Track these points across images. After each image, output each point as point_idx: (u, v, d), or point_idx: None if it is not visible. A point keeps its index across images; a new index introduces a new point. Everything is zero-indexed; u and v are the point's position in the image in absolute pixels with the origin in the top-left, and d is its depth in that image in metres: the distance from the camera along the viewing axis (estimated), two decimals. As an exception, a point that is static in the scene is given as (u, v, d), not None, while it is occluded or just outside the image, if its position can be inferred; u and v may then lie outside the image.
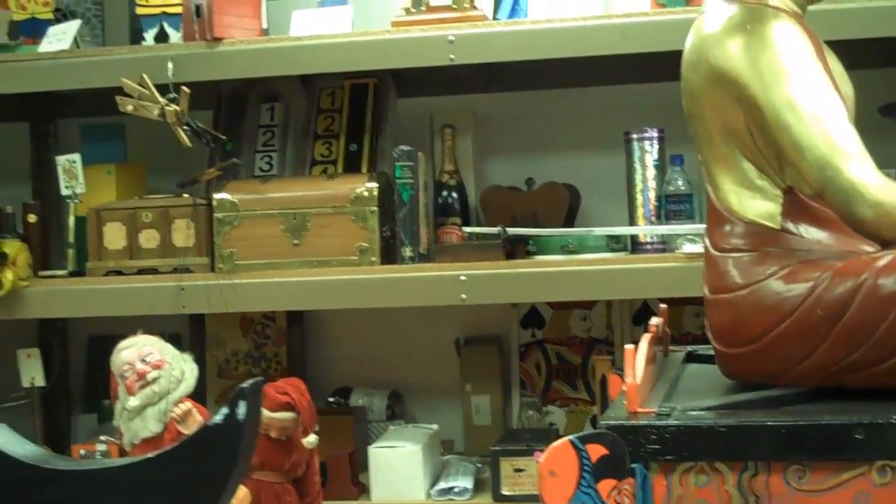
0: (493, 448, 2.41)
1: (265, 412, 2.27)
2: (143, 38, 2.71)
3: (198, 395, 2.28)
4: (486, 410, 2.69)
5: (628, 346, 1.48)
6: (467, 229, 2.54)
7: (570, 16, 2.43)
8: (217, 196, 2.47)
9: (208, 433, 1.10)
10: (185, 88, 2.42)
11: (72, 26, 2.64)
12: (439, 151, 2.69)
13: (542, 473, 1.32)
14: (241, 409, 1.11)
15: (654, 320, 1.74)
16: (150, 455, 1.05)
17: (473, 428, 2.69)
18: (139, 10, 2.72)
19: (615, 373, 1.91)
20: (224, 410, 1.14)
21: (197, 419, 2.27)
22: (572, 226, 2.62)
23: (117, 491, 0.69)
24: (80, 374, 2.95)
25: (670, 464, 1.35)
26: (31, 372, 2.62)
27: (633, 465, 1.34)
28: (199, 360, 2.30)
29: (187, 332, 2.82)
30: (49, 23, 2.72)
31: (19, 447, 0.74)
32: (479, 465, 2.54)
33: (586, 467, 1.32)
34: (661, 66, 2.31)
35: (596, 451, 1.32)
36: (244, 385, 1.21)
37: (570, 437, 1.34)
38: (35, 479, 0.69)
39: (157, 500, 0.75)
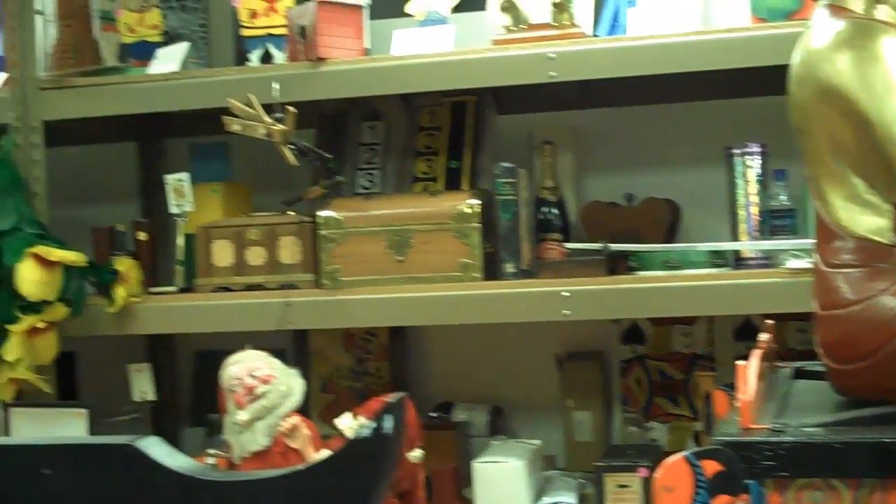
0: (596, 464, 2.41)
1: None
2: (248, 59, 2.77)
3: (302, 409, 2.32)
4: (587, 426, 2.70)
5: (740, 362, 1.48)
6: (569, 245, 2.55)
7: (669, 31, 2.43)
8: (322, 213, 2.51)
9: (356, 447, 1.13)
10: (291, 108, 2.47)
11: (180, 49, 2.71)
12: (539, 168, 2.71)
13: (658, 489, 1.33)
14: (388, 423, 1.14)
15: (763, 336, 1.73)
16: (300, 467, 1.08)
17: (575, 444, 2.70)
18: (244, 32, 2.78)
19: (720, 389, 1.91)
20: (371, 424, 1.17)
21: (304, 433, 2.31)
22: (673, 241, 2.61)
23: (268, 501, 0.72)
24: (186, 388, 3.02)
25: (785, 480, 1.35)
26: (142, 386, 2.68)
27: (748, 482, 1.34)
28: (303, 375, 2.34)
29: (291, 348, 2.87)
30: (157, 45, 2.79)
31: (172, 459, 0.77)
32: (582, 480, 2.55)
33: (701, 483, 1.33)
34: (763, 80, 2.31)
35: (711, 467, 1.33)
36: (390, 399, 1.24)
37: (685, 452, 1.35)
38: (190, 489, 0.72)
39: (304, 511, 0.78)
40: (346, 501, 0.82)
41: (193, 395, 3.00)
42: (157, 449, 0.75)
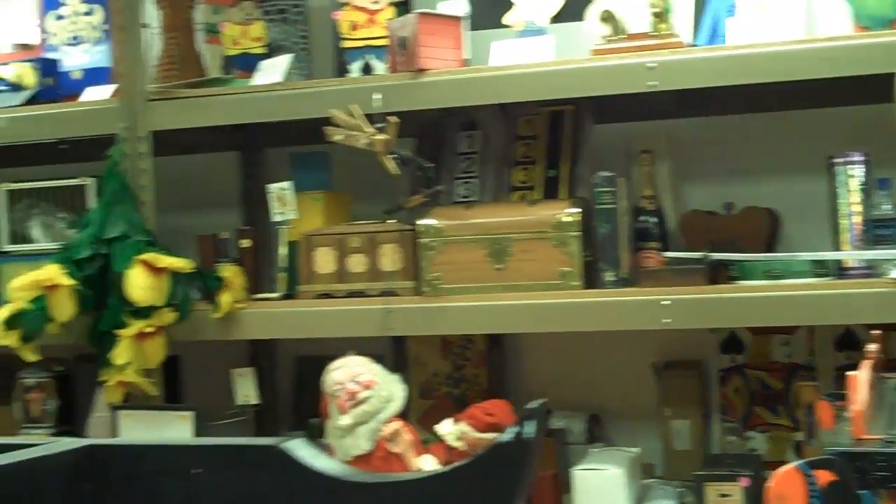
0: (696, 473, 2.40)
1: (472, 432, 2.34)
2: (348, 71, 2.81)
3: (401, 414, 2.35)
4: (685, 435, 2.69)
5: (850, 373, 1.48)
6: (669, 254, 2.55)
7: (770, 40, 2.42)
8: (423, 222, 2.54)
9: (498, 451, 1.15)
10: (394, 118, 2.50)
11: (284, 60, 2.76)
12: (637, 177, 2.72)
13: (771, 498, 1.33)
14: (530, 428, 1.16)
15: (870, 346, 1.73)
16: (443, 469, 1.10)
17: (673, 453, 2.70)
18: (344, 44, 2.82)
19: (824, 399, 1.90)
20: (513, 429, 1.19)
21: (406, 438, 2.34)
22: (772, 251, 2.60)
23: (410, 503, 0.74)
24: (287, 393, 3.07)
25: (900, 491, 1.34)
26: (245, 390, 2.73)
27: (862, 492, 1.34)
28: (402, 381, 2.37)
29: (389, 354, 2.90)
30: (260, 57, 2.85)
31: (318, 460, 0.80)
32: (682, 489, 2.54)
33: (814, 493, 1.33)
34: (865, 88, 2.30)
35: (824, 477, 1.33)
36: (532, 405, 1.26)
37: (797, 462, 1.35)
38: (335, 491, 0.75)
39: (445, 514, 0.80)
40: (488, 504, 0.83)
41: (293, 399, 3.05)
42: (302, 450, 0.78)
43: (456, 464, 1.12)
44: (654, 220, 2.66)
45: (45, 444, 0.82)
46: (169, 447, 0.85)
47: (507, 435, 1.19)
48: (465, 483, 0.84)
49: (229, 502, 0.79)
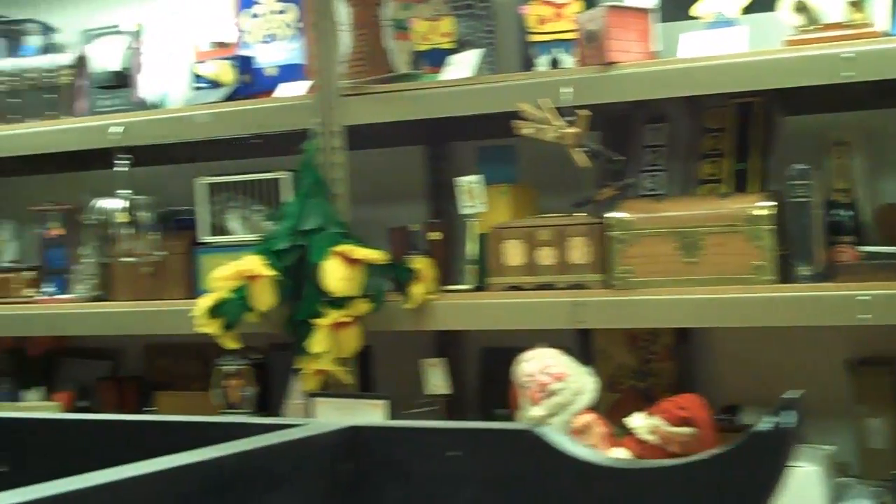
0: (894, 472, 2.36)
1: (665, 426, 2.34)
2: (534, 65, 2.83)
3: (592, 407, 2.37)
4: (881, 433, 2.63)
5: None
6: (866, 248, 2.50)
7: (975, 28, 2.35)
8: (613, 215, 2.55)
9: (756, 439, 1.16)
10: (584, 112, 2.52)
11: (474, 55, 2.80)
12: (830, 169, 2.67)
13: None
14: (789, 418, 1.16)
15: None
16: (700, 456, 1.11)
17: (869, 451, 2.64)
18: (531, 38, 2.84)
19: None
20: (772, 418, 1.20)
21: (598, 431, 2.36)
22: (974, 245, 2.53)
23: (664, 489, 0.76)
24: (472, 383, 3.11)
25: None
26: (435, 381, 2.78)
27: None
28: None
29: (575, 347, 2.91)
30: (449, 52, 2.89)
31: (571, 445, 0.82)
32: (879, 488, 2.49)
33: None
34: None
35: None
36: (790, 395, 1.26)
37: None
38: (588, 475, 0.77)
39: (702, 502, 0.81)
40: (744, 494, 0.84)
41: (479, 390, 3.09)
42: (555, 435, 0.81)
43: (712, 451, 1.13)
44: (849, 213, 2.61)
45: (308, 424, 0.86)
46: (426, 430, 0.89)
47: (766, 424, 1.19)
48: (721, 471, 0.85)
49: (484, 484, 0.82)
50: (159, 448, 0.79)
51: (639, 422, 2.37)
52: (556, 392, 2.36)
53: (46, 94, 3.24)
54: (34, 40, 3.49)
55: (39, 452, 1.02)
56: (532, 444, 0.81)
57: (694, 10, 2.83)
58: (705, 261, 2.48)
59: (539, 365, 2.40)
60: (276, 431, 0.82)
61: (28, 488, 0.71)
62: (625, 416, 2.43)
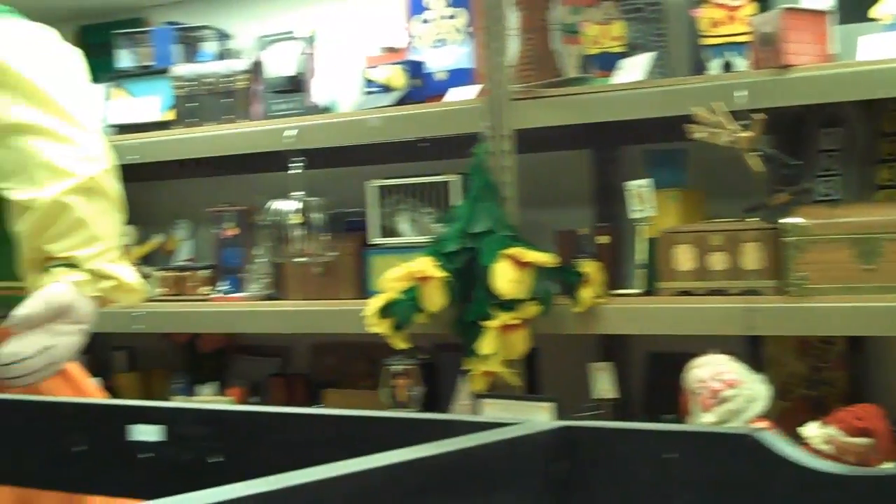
0: None
1: (841, 436, 2.29)
2: (706, 68, 2.80)
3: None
4: None
5: None
6: None
7: None
8: (789, 220, 2.51)
9: None
10: (760, 116, 2.48)
11: (645, 59, 2.79)
12: None
13: None
14: None
15: None
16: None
17: None
18: (704, 41, 2.82)
19: None
20: None
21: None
22: None
23: (889, 499, 0.75)
24: (639, 388, 3.10)
25: None
26: (602, 385, 2.78)
27: None
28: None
29: (744, 354, 2.87)
30: (619, 56, 2.89)
31: (793, 451, 0.82)
32: None
33: None
34: None
35: None
36: None
37: None
38: (812, 483, 0.77)
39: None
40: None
41: (645, 395, 3.08)
42: (776, 440, 0.80)
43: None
44: None
45: (523, 422, 0.88)
46: (642, 431, 0.89)
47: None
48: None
49: (701, 488, 0.83)
50: (379, 443, 0.82)
51: (813, 431, 2.33)
52: (729, 399, 2.34)
53: (223, 99, 3.34)
54: (210, 46, 3.60)
55: (253, 445, 1.06)
56: (751, 449, 0.81)
57: (873, 12, 2.77)
58: (883, 268, 2.42)
59: (711, 371, 2.38)
60: (492, 430, 0.84)
61: (259, 480, 0.74)
62: (795, 425, 2.40)
